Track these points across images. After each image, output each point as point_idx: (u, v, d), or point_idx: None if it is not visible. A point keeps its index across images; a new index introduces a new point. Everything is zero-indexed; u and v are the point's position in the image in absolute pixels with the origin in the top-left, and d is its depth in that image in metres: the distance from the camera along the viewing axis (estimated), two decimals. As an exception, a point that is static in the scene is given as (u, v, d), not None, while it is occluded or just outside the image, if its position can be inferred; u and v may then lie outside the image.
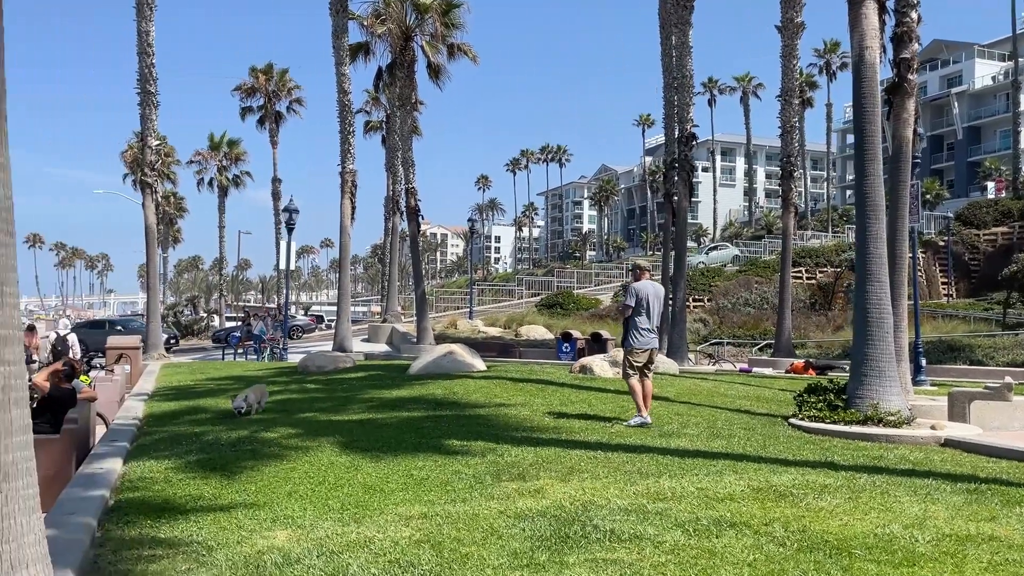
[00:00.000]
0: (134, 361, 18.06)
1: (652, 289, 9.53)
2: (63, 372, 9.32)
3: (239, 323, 36.81)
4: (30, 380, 9.01)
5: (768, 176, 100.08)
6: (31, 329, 13.71)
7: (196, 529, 5.15)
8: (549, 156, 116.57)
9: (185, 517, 5.44)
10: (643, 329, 9.31)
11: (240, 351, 28.60)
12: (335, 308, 41.71)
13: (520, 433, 8.61)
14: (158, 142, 25.90)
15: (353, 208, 27.68)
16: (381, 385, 13.20)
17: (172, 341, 35.96)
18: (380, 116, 49.57)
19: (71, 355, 14.92)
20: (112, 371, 14.98)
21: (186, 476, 6.76)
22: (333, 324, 38.54)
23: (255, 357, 27.51)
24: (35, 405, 8.21)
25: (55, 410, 8.57)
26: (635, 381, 9.26)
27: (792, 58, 24.63)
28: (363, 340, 35.28)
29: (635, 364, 9.30)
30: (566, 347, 23.17)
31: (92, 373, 16.31)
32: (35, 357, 14.22)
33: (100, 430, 10.39)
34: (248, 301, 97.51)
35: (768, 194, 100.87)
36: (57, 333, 17.85)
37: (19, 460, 2.73)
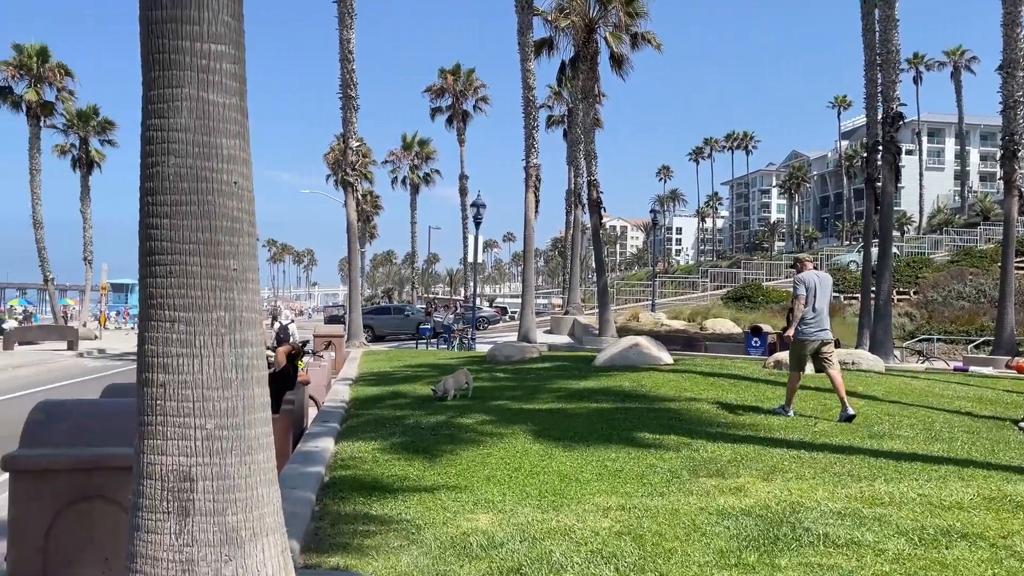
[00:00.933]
0: (339, 348, 19.34)
1: (819, 279, 9.25)
2: (293, 353, 10.08)
3: (425, 314, 38.51)
4: (273, 355, 9.87)
5: (983, 158, 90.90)
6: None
7: (404, 508, 5.38)
8: (734, 143, 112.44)
9: (393, 496, 5.70)
10: (810, 320, 9.12)
11: (433, 341, 29.87)
12: (518, 300, 42.60)
13: (715, 428, 8.32)
14: (358, 143, 27.54)
15: (537, 202, 28.07)
16: (568, 375, 13.27)
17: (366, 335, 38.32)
18: (562, 110, 49.93)
19: (299, 341, 16.21)
20: (321, 357, 16.11)
21: (391, 457, 7.10)
22: (516, 315, 39.35)
23: (445, 347, 28.64)
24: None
25: (277, 391, 9.31)
26: (796, 375, 9.31)
27: (1015, 26, 22.12)
28: (545, 332, 35.75)
29: (802, 356, 9.26)
30: (755, 341, 22.23)
31: (305, 359, 17.63)
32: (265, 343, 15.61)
33: (312, 411, 11.18)
34: (436, 293, 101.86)
35: (983, 177, 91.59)
36: (280, 322, 19.50)
37: (260, 435, 2.95)
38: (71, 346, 29.47)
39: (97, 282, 41.70)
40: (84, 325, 38.56)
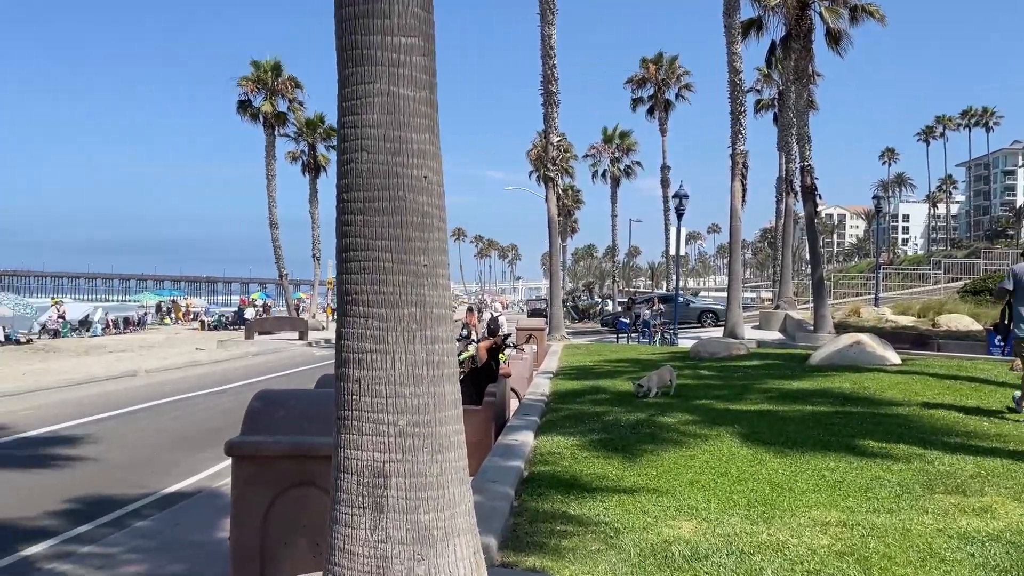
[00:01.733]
0: (540, 341, 19.56)
1: None
2: (495, 347, 10.26)
3: (624, 308, 38.10)
4: (476, 347, 10.11)
5: None
6: (470, 310, 15.52)
7: (603, 509, 5.21)
8: (972, 121, 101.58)
9: (592, 496, 5.55)
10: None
11: (634, 335, 29.48)
12: (722, 295, 41.08)
13: (952, 438, 7.40)
14: (558, 139, 27.74)
15: (744, 191, 26.83)
16: (779, 375, 12.48)
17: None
18: (771, 94, 47.41)
19: (502, 334, 16.65)
20: (523, 350, 16.36)
21: (590, 454, 6.96)
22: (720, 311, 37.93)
23: (646, 341, 28.16)
24: (462, 377, 9.17)
25: (480, 382, 9.49)
26: None
27: None
28: (753, 327, 34.16)
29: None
30: (999, 340, 19.82)
31: (507, 352, 18.01)
32: (474, 335, 16.17)
33: (513, 404, 11.32)
34: (638, 287, 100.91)
35: None
36: (491, 314, 20.18)
37: (451, 433, 2.89)
38: (302, 336, 32.19)
39: (324, 277, 45.33)
40: (313, 317, 42.02)
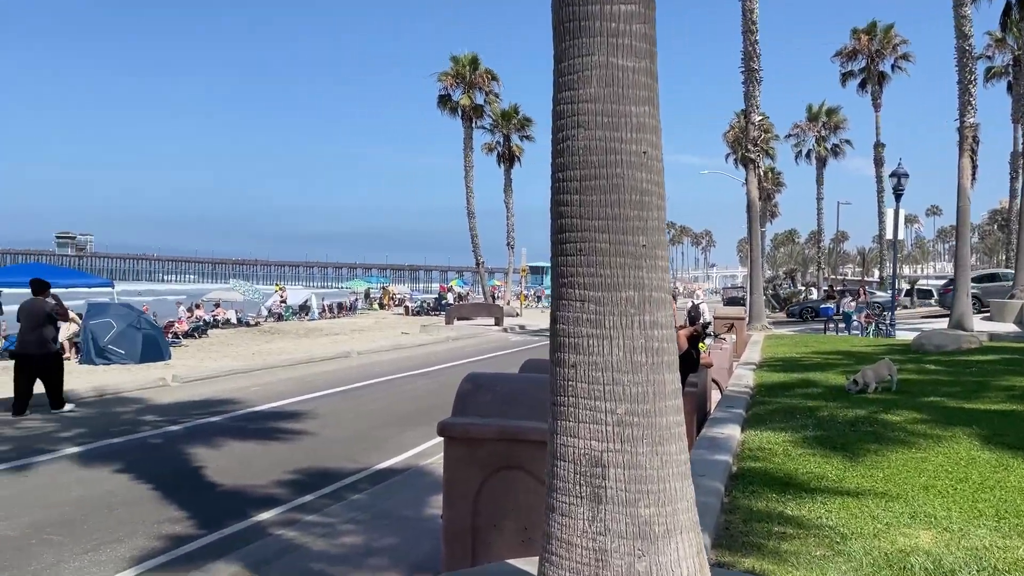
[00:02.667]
0: (740, 331, 18.76)
1: None
2: (695, 335, 9.92)
3: (824, 297, 35.75)
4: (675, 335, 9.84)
5: None
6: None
7: (824, 512, 4.82)
8: None
9: (811, 497, 5.16)
10: None
11: (841, 326, 27.59)
12: (943, 282, 37.43)
13: None
14: (760, 118, 26.42)
15: (974, 168, 24.24)
16: (1021, 371, 11.12)
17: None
18: (1005, 60, 42.48)
19: (702, 322, 16.21)
20: (723, 340, 15.76)
21: (804, 452, 6.51)
22: (935, 299, 34.64)
23: (857, 333, 26.22)
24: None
25: (680, 372, 9.18)
26: None
27: None
28: (984, 318, 30.87)
29: None
30: None
31: (706, 341, 17.47)
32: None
33: (714, 396, 10.89)
34: (845, 275, 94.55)
35: None
36: (692, 302, 19.74)
37: (671, 424, 2.73)
38: (497, 322, 33.06)
39: (518, 265, 46.30)
40: (507, 303, 43.09)
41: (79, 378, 15.00)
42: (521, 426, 4.15)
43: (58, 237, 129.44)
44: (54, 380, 11.51)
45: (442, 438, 4.34)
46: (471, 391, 4.43)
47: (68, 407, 11.60)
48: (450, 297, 48.95)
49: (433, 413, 12.05)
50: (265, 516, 6.67)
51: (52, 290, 12.41)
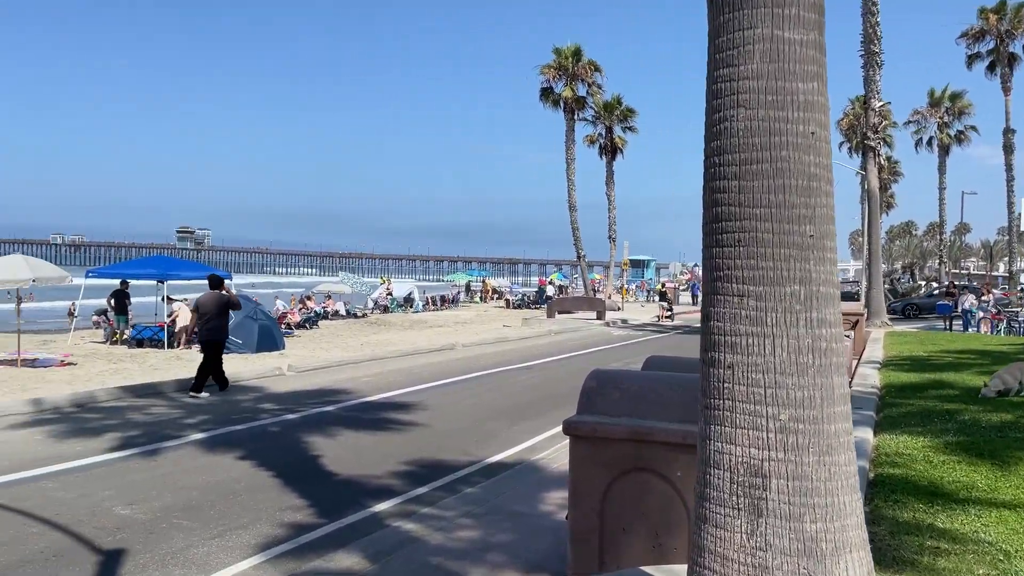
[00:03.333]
0: (859, 328, 17.85)
1: None
2: None
3: (943, 293, 33.63)
4: None
5: None
6: None
7: (980, 525, 4.43)
8: None
9: (962, 508, 4.76)
10: None
11: (958, 324, 25.93)
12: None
13: None
14: (881, 104, 25.09)
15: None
16: None
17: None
18: None
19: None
20: (848, 337, 15.02)
21: (948, 458, 6.05)
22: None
23: (975, 329, 24.56)
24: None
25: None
26: None
27: None
28: None
29: None
30: None
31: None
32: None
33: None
34: (968, 269, 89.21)
35: None
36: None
37: (840, 432, 2.49)
38: (599, 316, 32.74)
39: (619, 258, 45.76)
40: (609, 297, 42.65)
41: (201, 366, 15.67)
42: (652, 426, 3.96)
43: (179, 232, 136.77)
44: (215, 365, 12.75)
45: (566, 436, 4.20)
46: (597, 388, 4.27)
47: (204, 395, 12.33)
48: (550, 290, 48.89)
49: (540, 407, 11.99)
50: (382, 507, 6.71)
51: (216, 283, 13.47)
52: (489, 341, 23.10)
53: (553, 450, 8.85)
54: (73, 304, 25.32)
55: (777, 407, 2.44)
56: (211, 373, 12.63)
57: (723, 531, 2.49)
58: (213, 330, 12.75)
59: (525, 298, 46.69)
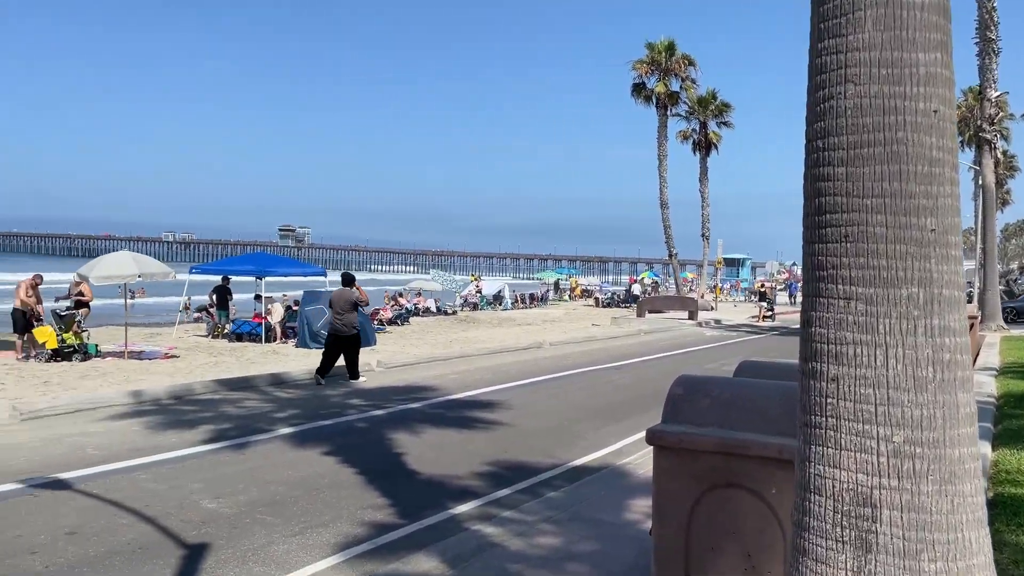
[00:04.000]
0: (973, 332, 16.73)
1: None
2: None
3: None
4: None
5: None
6: None
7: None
8: None
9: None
10: None
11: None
12: None
13: None
14: (997, 94, 23.50)
15: None
16: None
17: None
18: None
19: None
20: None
21: (1080, 480, 5.46)
22: None
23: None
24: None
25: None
26: None
27: None
28: None
29: None
30: None
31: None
32: None
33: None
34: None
35: None
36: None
37: (965, 457, 2.16)
38: (691, 316, 31.95)
39: (713, 257, 44.62)
40: (702, 297, 41.63)
41: (295, 361, 16.00)
42: (744, 439, 3.65)
43: (280, 230, 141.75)
44: (353, 355, 13.83)
45: (650, 446, 3.94)
46: (684, 395, 3.99)
47: (361, 379, 13.72)
48: (639, 289, 48.14)
49: (628, 409, 11.68)
50: (462, 509, 6.59)
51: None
52: (577, 340, 22.83)
53: (639, 455, 8.54)
54: (188, 299, 26.38)
55: (890, 427, 2.13)
56: (349, 362, 13.71)
57: (825, 566, 2.20)
58: (344, 324, 13.66)
59: (614, 296, 46.12)
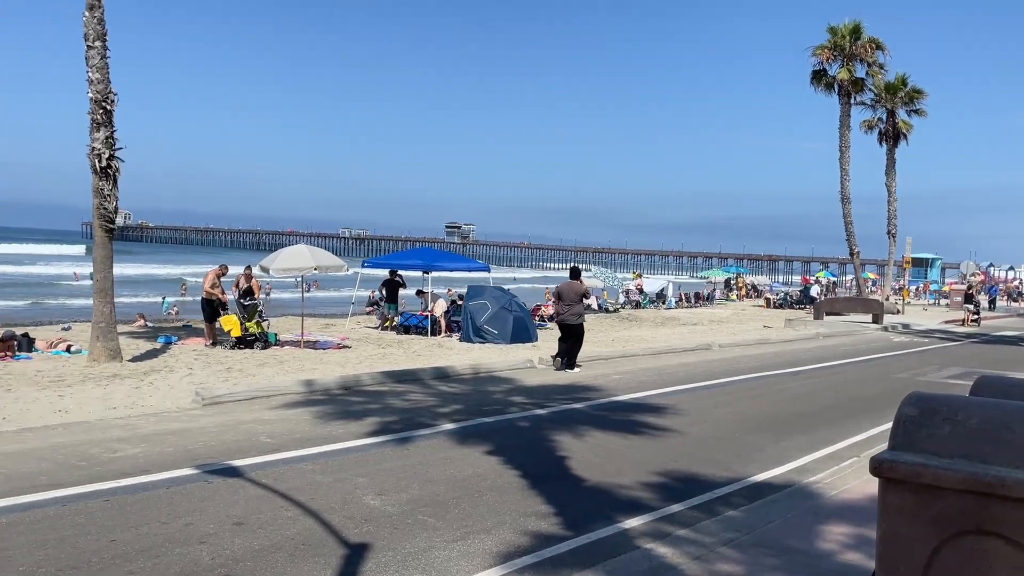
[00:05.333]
0: None
1: None
2: None
3: None
4: None
5: None
6: None
7: None
8: None
9: None
10: None
11: None
12: None
13: None
14: None
15: None
16: None
17: None
18: None
19: None
20: None
21: None
22: None
23: None
24: None
25: None
26: None
27: None
28: None
29: None
30: None
31: None
32: None
33: None
34: None
35: None
36: None
37: None
38: (875, 319, 29.56)
39: (899, 256, 41.22)
40: (887, 299, 38.55)
41: (459, 355, 16.05)
42: (1003, 476, 2.91)
43: (447, 227, 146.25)
44: (577, 346, 14.78)
45: (875, 476, 3.26)
46: (919, 418, 3.27)
47: (577, 369, 14.45)
48: (816, 290, 45.32)
49: (812, 421, 10.68)
50: (631, 523, 6.08)
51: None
52: (749, 342, 21.60)
53: (828, 473, 7.69)
54: (373, 292, 27.28)
55: None
56: (573, 352, 14.67)
57: None
58: (572, 314, 14.65)
59: (788, 297, 43.66)
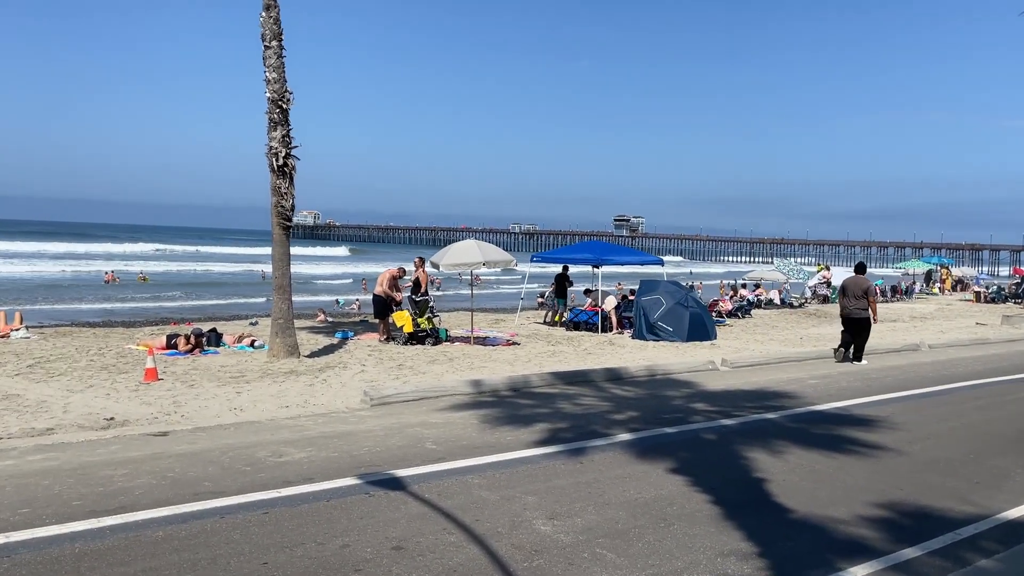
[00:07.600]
0: None
1: None
2: None
3: None
4: None
5: None
6: None
7: None
8: None
9: None
10: None
11: None
12: None
13: None
14: None
15: None
16: None
17: None
18: None
19: None
20: None
21: None
22: None
23: None
24: None
25: None
26: None
27: None
28: None
29: None
30: None
31: None
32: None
33: None
34: None
35: None
36: None
37: None
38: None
39: None
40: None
41: (631, 354, 15.14)
42: None
43: (615, 219, 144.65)
44: (862, 339, 14.93)
45: None
46: None
47: (863, 362, 14.77)
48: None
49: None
50: (855, 571, 4.97)
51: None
52: (963, 342, 19.12)
53: (1106, 513, 6.14)
54: (548, 288, 26.88)
55: None
56: (857, 345, 14.93)
57: None
58: (858, 308, 14.77)
59: (1001, 291, 39.00)
